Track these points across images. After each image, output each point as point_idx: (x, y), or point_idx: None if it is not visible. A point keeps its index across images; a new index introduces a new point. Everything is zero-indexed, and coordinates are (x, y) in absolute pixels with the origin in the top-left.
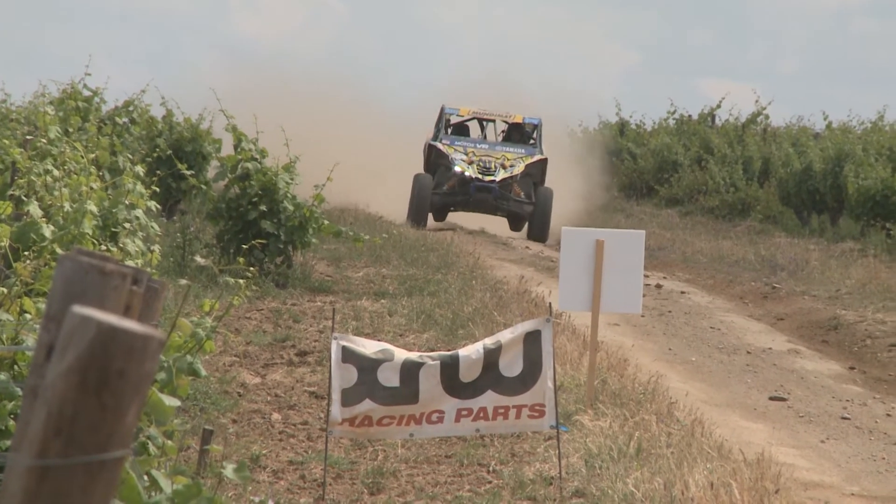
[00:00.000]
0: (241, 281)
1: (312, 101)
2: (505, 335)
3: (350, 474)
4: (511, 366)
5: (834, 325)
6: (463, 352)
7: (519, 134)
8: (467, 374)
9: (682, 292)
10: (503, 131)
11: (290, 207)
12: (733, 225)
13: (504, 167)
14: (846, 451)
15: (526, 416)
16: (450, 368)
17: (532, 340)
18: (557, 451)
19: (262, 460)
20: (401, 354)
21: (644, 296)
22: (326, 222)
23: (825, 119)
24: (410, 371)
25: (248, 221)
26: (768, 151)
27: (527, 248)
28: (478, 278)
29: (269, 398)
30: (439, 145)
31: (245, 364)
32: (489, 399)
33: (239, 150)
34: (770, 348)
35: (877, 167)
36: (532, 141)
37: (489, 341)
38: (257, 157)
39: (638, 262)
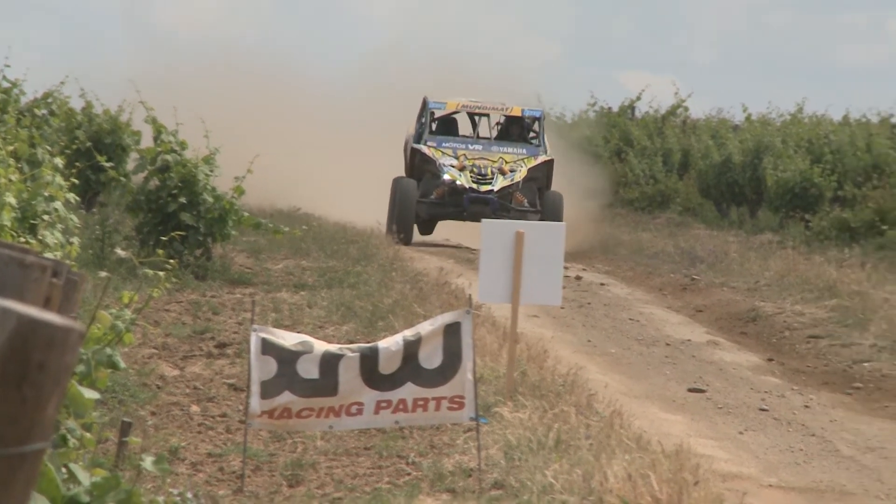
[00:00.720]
0: (160, 273)
1: (237, 90)
2: (425, 327)
3: (269, 466)
4: (431, 358)
5: (753, 316)
6: (382, 344)
7: (518, 129)
8: (387, 366)
9: (602, 284)
10: (498, 123)
11: (210, 199)
12: (653, 217)
13: (503, 172)
14: (764, 443)
15: (445, 408)
16: (369, 360)
17: (452, 332)
18: (477, 443)
19: (180, 452)
20: (320, 346)
21: (564, 287)
22: (246, 214)
23: (744, 111)
24: (330, 363)
25: (168, 213)
26: (688, 143)
27: (446, 239)
28: (398, 270)
29: (188, 390)
30: (424, 148)
31: (164, 356)
32: (409, 391)
33: (158, 141)
34: (689, 340)
35: (795, 159)
36: (533, 137)
37: (409, 333)
38: (177, 148)
39: (558, 254)
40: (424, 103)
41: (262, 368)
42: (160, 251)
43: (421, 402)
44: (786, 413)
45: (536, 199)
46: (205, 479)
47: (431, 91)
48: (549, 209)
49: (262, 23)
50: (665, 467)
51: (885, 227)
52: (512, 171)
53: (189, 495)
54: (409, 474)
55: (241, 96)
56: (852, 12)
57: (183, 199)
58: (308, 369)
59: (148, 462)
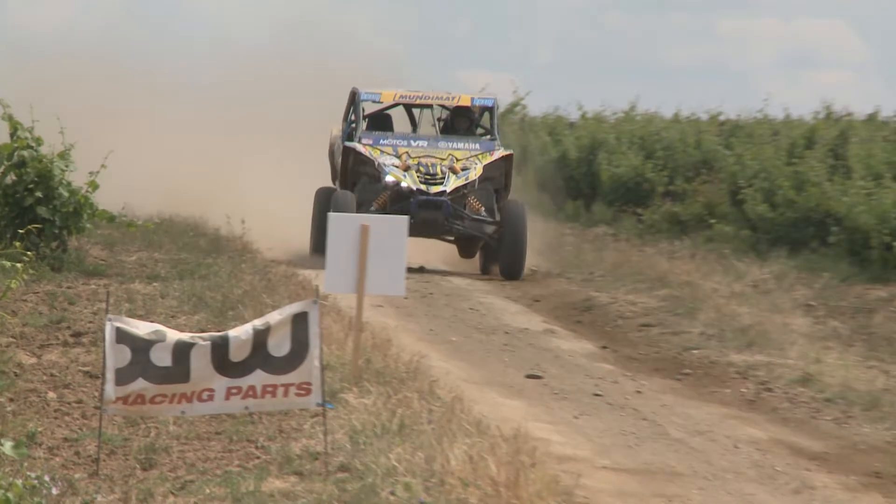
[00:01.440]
0: (17, 265)
1: (96, 86)
2: (273, 317)
3: (123, 450)
4: (279, 346)
5: (588, 306)
6: (233, 333)
7: (465, 122)
8: (237, 354)
9: (443, 275)
10: (441, 118)
11: (66, 194)
12: None
13: (454, 171)
14: (598, 427)
15: (293, 394)
16: (220, 349)
17: (299, 322)
18: (324, 428)
19: (38, 437)
20: (173, 335)
21: (406, 278)
22: (101, 208)
23: (580, 109)
24: (182, 351)
25: (25, 207)
26: (526, 140)
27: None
28: (247, 262)
29: (45, 378)
30: (359, 147)
31: (21, 345)
32: (258, 378)
33: (15, 138)
34: (527, 328)
35: (628, 155)
36: (484, 132)
37: (258, 322)
38: (33, 144)
39: (401, 246)
40: (354, 95)
41: (116, 356)
42: (17, 244)
43: (270, 389)
44: (619, 398)
45: (493, 204)
46: (61, 463)
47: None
48: (509, 220)
49: (119, 19)
50: (503, 450)
51: (713, 221)
52: (465, 168)
53: (46, 478)
54: (258, 458)
55: (107, 93)
56: (681, 13)
57: (39, 194)
58: (161, 357)
59: (7, 447)
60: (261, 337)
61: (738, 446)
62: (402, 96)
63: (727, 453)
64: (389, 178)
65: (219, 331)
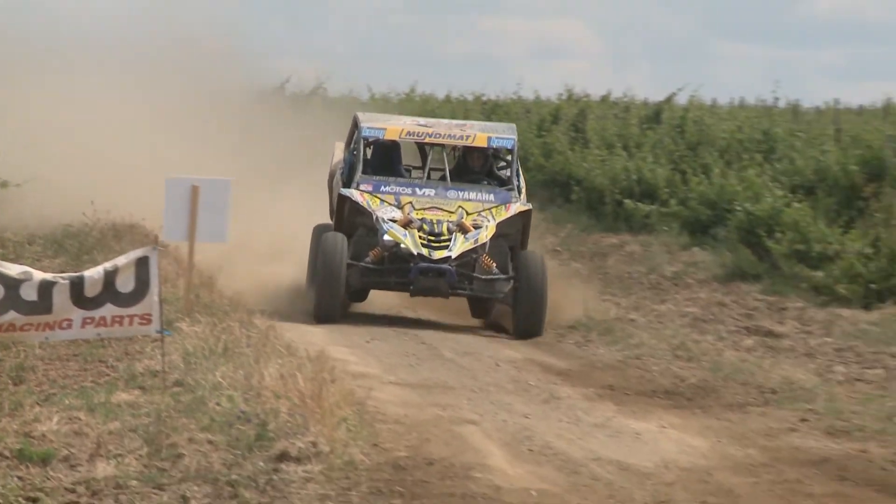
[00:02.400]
0: None
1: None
2: (121, 260)
3: None
4: (126, 284)
5: None
6: (87, 273)
7: (481, 160)
8: (91, 291)
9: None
10: (456, 150)
11: None
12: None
13: (464, 230)
14: (386, 349)
15: (137, 323)
16: (77, 286)
17: (142, 264)
18: (162, 351)
19: None
20: (38, 275)
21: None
22: None
23: (370, 91)
24: (46, 288)
25: None
26: (325, 117)
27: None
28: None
29: None
30: (356, 195)
31: None
32: (108, 310)
33: None
34: None
35: None
36: (502, 172)
37: (108, 265)
38: None
39: (226, 203)
40: (355, 125)
41: None
42: None
43: (118, 319)
44: (403, 327)
45: (508, 261)
46: None
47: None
48: (526, 276)
49: None
50: (309, 369)
51: None
52: (476, 226)
53: None
54: (108, 375)
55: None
56: (452, 14)
57: None
58: (29, 293)
59: None
60: (110, 277)
61: (499, 364)
62: (409, 133)
63: (490, 370)
64: (387, 238)
65: (76, 272)
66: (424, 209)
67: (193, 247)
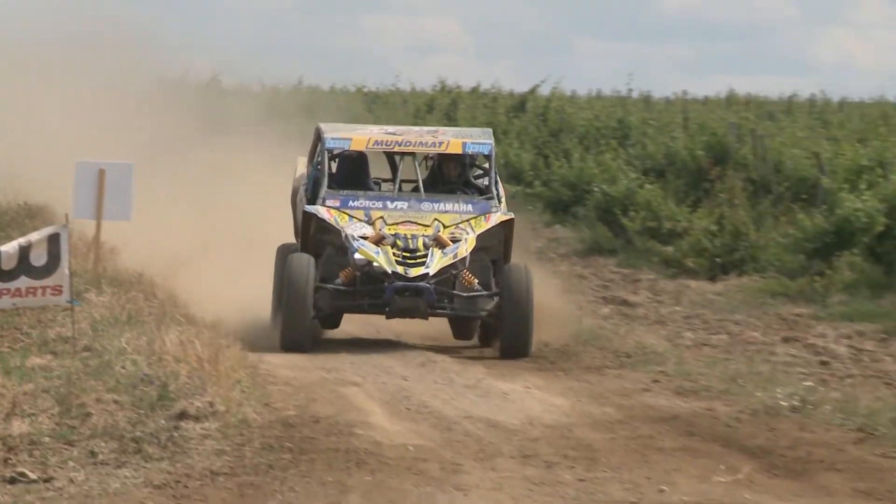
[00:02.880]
0: None
1: None
2: (34, 236)
3: None
4: (39, 258)
5: None
6: (3, 248)
7: (458, 169)
8: (7, 265)
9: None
10: (428, 159)
11: None
12: None
13: (440, 245)
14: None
15: (49, 294)
16: None
17: (54, 240)
18: (72, 319)
19: None
20: None
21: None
22: None
23: (261, 83)
24: None
25: None
26: None
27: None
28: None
29: None
30: (322, 212)
31: None
32: (23, 282)
33: None
34: None
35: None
36: (481, 183)
37: (23, 241)
38: None
39: (129, 184)
40: (318, 136)
41: None
42: None
43: (32, 290)
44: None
45: (490, 276)
46: None
47: None
48: (510, 291)
49: None
50: (206, 335)
51: None
52: (454, 240)
53: None
54: (23, 341)
55: None
56: (337, 13)
57: None
58: None
59: None
60: (24, 252)
61: (379, 331)
62: (377, 142)
63: (371, 336)
64: (358, 257)
65: None
66: (397, 224)
67: (101, 224)
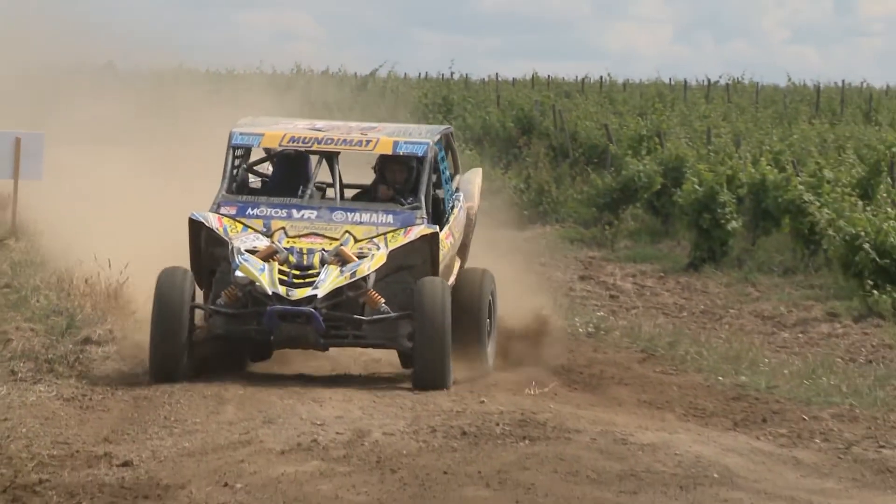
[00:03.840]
0: None
1: None
2: None
3: None
4: None
5: None
6: None
7: (403, 172)
8: None
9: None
10: (376, 167)
11: None
12: None
13: (342, 261)
14: None
15: None
16: None
17: None
18: None
19: None
20: None
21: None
22: None
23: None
24: None
25: None
26: None
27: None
28: None
29: None
30: (212, 220)
31: None
32: None
33: None
34: None
35: None
36: (420, 185)
37: None
38: None
39: (41, 151)
40: (232, 141)
41: None
42: None
43: None
44: None
45: (407, 295)
46: None
47: None
48: (421, 310)
49: None
50: (108, 273)
51: None
52: (361, 255)
53: None
54: None
55: None
56: (209, 9)
57: None
58: None
59: None
60: None
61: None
62: (293, 139)
63: None
64: (239, 275)
65: None
66: (299, 236)
67: (17, 183)
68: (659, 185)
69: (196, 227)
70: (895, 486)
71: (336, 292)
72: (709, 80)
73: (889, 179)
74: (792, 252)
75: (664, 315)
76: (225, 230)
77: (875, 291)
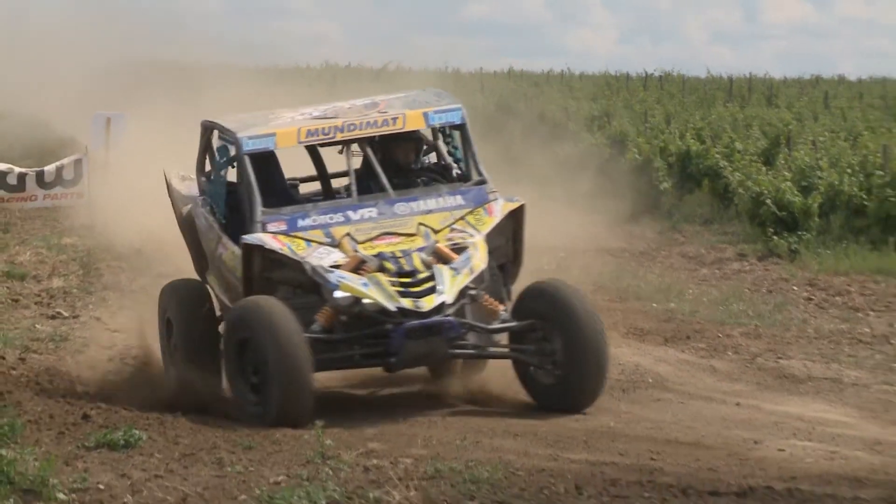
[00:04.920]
0: None
1: None
2: (65, 160)
3: None
4: (69, 174)
5: None
6: (46, 168)
7: (410, 150)
8: (48, 178)
9: None
10: (372, 141)
11: None
12: None
13: (442, 259)
14: None
15: (75, 197)
16: (40, 175)
17: (78, 163)
18: (90, 213)
19: None
20: (17, 169)
21: None
22: None
23: None
24: (21, 177)
25: None
26: None
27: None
28: None
29: None
30: (269, 242)
31: None
32: (59, 190)
33: None
34: None
35: None
36: (452, 162)
37: (58, 163)
38: None
39: (124, 128)
40: (210, 136)
41: None
42: None
43: (64, 195)
44: None
45: (503, 291)
46: None
47: None
48: (578, 316)
49: None
50: None
51: None
52: (457, 247)
53: None
54: (59, 227)
55: None
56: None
57: None
58: (11, 180)
59: None
60: (59, 170)
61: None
62: (310, 132)
63: None
64: (341, 295)
65: (39, 167)
66: (372, 240)
67: (108, 152)
68: (607, 155)
69: (251, 252)
70: (790, 388)
71: (461, 296)
72: (646, 73)
73: (787, 150)
74: (710, 206)
75: (611, 256)
76: (290, 250)
77: (774, 237)
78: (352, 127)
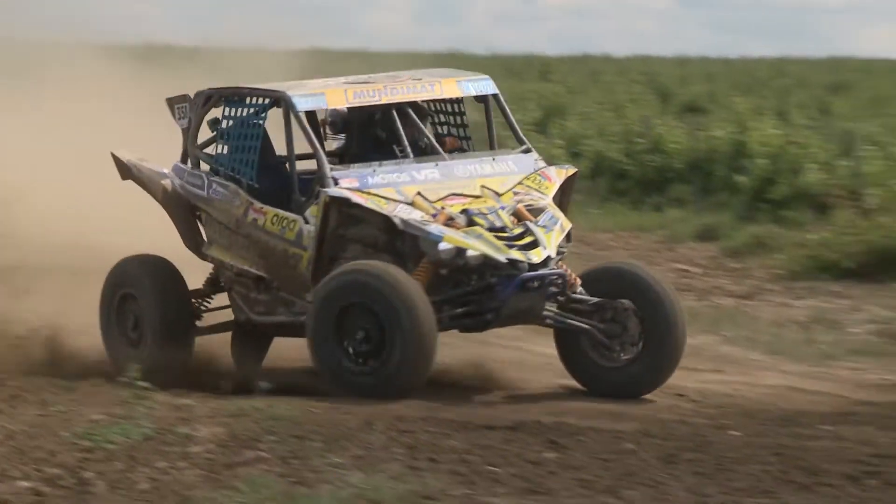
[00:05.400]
0: None
1: None
2: None
3: None
4: None
5: None
6: None
7: (416, 126)
8: None
9: None
10: (328, 120)
11: None
12: None
13: (532, 212)
14: None
15: None
16: None
17: None
18: None
19: None
20: None
21: None
22: None
23: None
24: None
25: None
26: None
27: None
28: None
29: None
30: (354, 196)
31: None
32: None
33: None
34: None
35: None
36: (511, 123)
37: None
38: None
39: None
40: (231, 98)
41: None
42: None
43: None
44: None
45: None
46: None
47: None
48: (660, 296)
49: None
50: None
51: None
52: (534, 208)
53: None
54: None
55: None
56: None
57: None
58: None
59: None
60: None
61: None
62: (356, 94)
63: None
64: (445, 246)
65: None
66: (442, 199)
67: None
68: None
69: (332, 206)
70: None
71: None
72: (435, 52)
73: (559, 120)
74: None
75: None
76: (375, 205)
77: None
78: (395, 91)
